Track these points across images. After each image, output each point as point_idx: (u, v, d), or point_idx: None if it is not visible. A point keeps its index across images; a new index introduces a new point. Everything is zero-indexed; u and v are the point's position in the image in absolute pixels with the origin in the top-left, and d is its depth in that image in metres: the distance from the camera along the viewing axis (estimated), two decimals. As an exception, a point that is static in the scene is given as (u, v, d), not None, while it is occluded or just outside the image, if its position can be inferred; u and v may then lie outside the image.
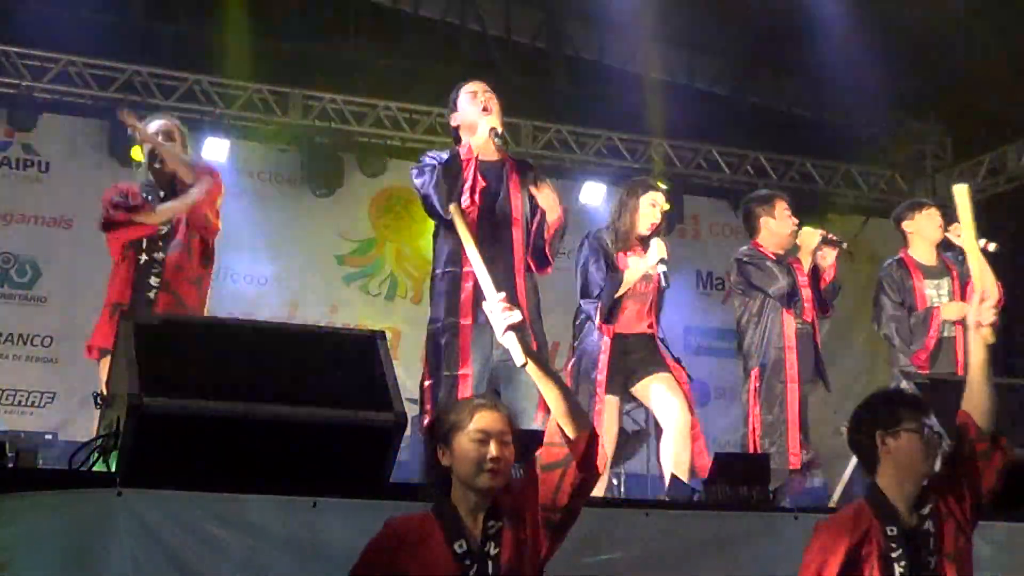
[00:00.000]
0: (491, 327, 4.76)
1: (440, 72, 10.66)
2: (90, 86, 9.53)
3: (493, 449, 3.08)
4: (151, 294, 5.39)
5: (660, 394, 5.60)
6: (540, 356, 3.28)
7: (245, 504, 3.64)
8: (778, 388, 5.88)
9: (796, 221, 6.22)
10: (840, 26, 9.65)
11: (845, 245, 6.24)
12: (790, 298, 5.97)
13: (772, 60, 11.35)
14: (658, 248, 5.58)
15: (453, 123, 5.26)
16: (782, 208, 6.21)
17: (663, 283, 5.61)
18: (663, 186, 6.06)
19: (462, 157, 5.04)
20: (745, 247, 6.27)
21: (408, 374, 8.98)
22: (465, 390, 4.84)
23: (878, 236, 10.23)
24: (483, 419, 3.13)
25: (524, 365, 3.14)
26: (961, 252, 6.27)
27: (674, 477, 5.04)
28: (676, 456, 5.42)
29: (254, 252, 9.71)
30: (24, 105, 9.32)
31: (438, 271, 5.06)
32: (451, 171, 4.95)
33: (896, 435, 3.41)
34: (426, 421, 4.91)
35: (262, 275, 9.94)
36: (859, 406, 3.66)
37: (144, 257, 5.43)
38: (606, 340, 5.59)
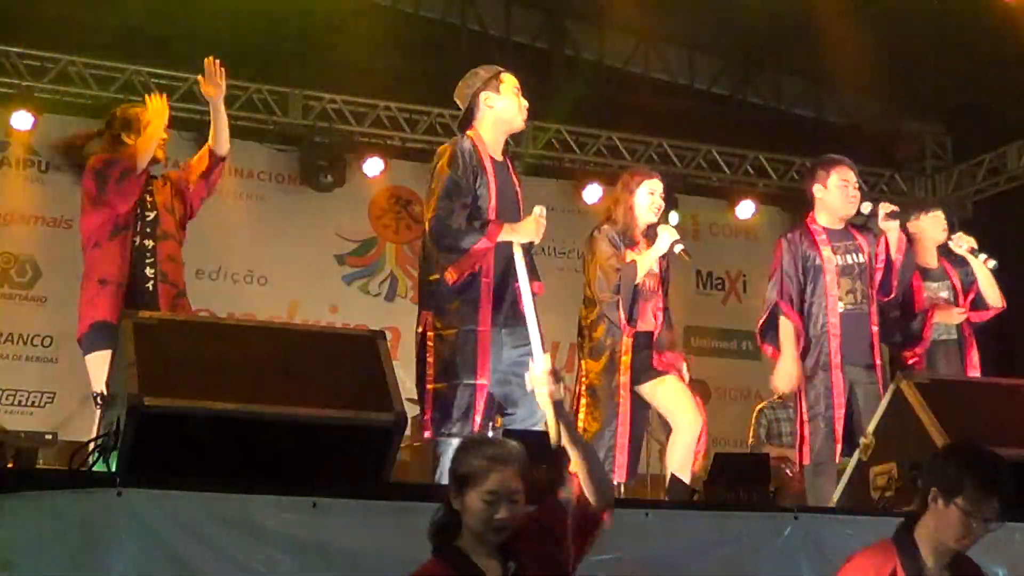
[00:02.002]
0: (505, 335, 4.78)
1: (440, 72, 10.67)
2: (90, 86, 9.54)
3: (503, 512, 3.03)
4: (149, 285, 5.41)
5: (672, 395, 5.53)
6: (570, 423, 3.23)
7: (245, 504, 3.64)
8: (819, 376, 5.65)
9: (855, 199, 5.75)
10: (840, 26, 9.64)
11: (897, 210, 5.78)
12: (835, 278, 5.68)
13: (772, 60, 11.36)
14: (668, 232, 5.50)
15: (487, 104, 4.98)
16: (838, 176, 5.77)
17: (685, 259, 5.54)
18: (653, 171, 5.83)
19: (481, 153, 4.92)
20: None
21: (408, 374, 9.01)
22: (480, 400, 4.78)
23: (878, 236, 10.23)
24: (497, 479, 3.05)
25: (558, 445, 3.12)
26: (961, 258, 6.27)
27: (674, 477, 5.04)
28: (682, 460, 5.39)
29: (254, 252, 9.71)
30: (24, 105, 9.31)
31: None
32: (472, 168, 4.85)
33: (948, 502, 3.23)
34: (426, 430, 4.88)
35: (262, 275, 9.94)
36: (946, 447, 3.56)
37: (138, 240, 5.49)
38: (627, 340, 5.48)
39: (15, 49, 9.33)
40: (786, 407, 8.69)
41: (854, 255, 5.71)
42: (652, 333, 5.62)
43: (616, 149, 10.93)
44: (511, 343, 4.87)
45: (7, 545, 3.33)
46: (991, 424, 4.54)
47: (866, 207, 5.80)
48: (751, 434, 8.77)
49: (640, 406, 5.60)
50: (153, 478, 3.57)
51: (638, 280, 5.50)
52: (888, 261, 5.70)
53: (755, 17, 10.36)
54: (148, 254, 5.50)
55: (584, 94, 11.21)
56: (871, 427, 4.90)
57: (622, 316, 5.45)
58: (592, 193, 10.73)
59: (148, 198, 5.59)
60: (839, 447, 5.51)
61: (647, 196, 5.60)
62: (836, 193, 5.76)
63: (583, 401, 5.56)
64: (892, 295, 5.75)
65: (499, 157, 5.02)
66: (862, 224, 5.96)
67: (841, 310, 5.65)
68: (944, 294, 6.24)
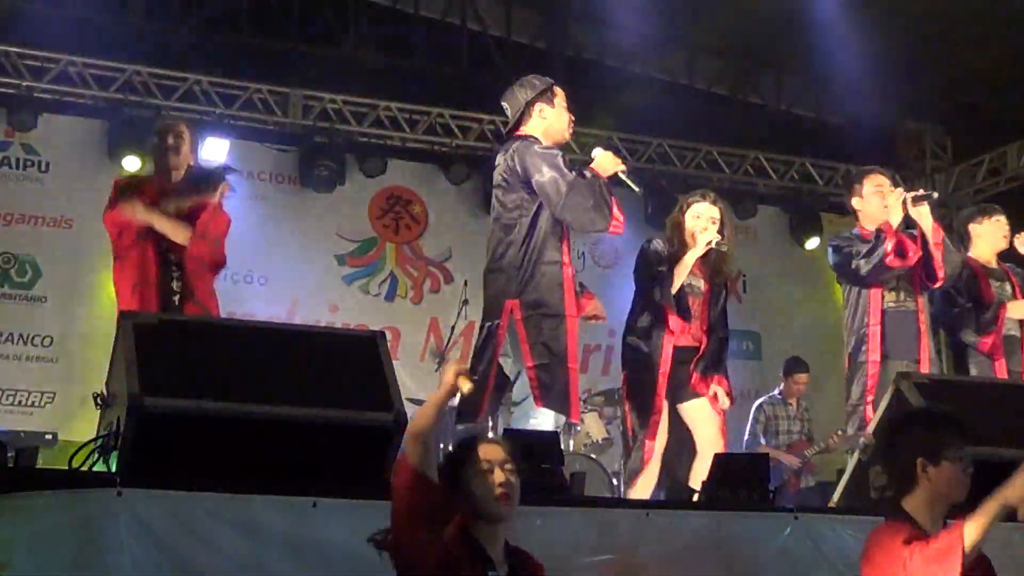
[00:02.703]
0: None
1: (440, 72, 10.68)
2: (90, 86, 9.53)
3: (499, 475, 3.14)
4: (175, 299, 5.31)
5: (703, 420, 5.53)
6: None
7: (245, 504, 3.64)
8: (861, 368, 5.66)
9: (890, 192, 5.81)
10: (840, 26, 9.65)
11: (935, 195, 5.84)
12: (875, 275, 5.68)
13: (772, 60, 11.35)
14: (706, 236, 5.52)
15: (541, 116, 5.24)
16: (871, 184, 5.90)
17: (722, 248, 5.56)
18: (709, 195, 5.79)
19: None
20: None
21: (408, 374, 9.02)
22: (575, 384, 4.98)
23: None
24: (485, 451, 3.20)
25: None
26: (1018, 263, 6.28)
27: (674, 477, 5.04)
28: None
29: (254, 252, 9.70)
30: (24, 105, 9.31)
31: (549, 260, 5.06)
32: None
33: (938, 464, 3.30)
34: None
35: (262, 275, 9.94)
36: (896, 424, 3.59)
37: (164, 244, 5.34)
38: (667, 351, 5.48)
39: (15, 49, 9.33)
40: (787, 404, 8.69)
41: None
42: (695, 350, 5.59)
43: (617, 149, 10.91)
44: None
45: (7, 545, 3.33)
46: (991, 424, 4.53)
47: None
48: (747, 430, 8.77)
49: (678, 422, 5.60)
50: (153, 478, 3.57)
51: (675, 288, 5.51)
52: (926, 247, 5.67)
53: (755, 17, 10.37)
54: (175, 267, 5.38)
55: (584, 94, 11.21)
56: (871, 427, 4.90)
57: (673, 320, 5.48)
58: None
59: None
60: None
61: (693, 220, 5.63)
62: (872, 201, 5.81)
63: (626, 407, 5.67)
64: (938, 282, 5.73)
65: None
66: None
67: (884, 307, 5.68)
68: (1007, 292, 6.24)
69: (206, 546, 3.55)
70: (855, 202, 5.94)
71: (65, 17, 9.57)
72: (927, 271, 5.71)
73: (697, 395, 5.55)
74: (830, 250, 6.00)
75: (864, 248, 5.70)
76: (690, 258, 5.53)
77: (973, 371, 6.01)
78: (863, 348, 5.66)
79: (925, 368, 5.61)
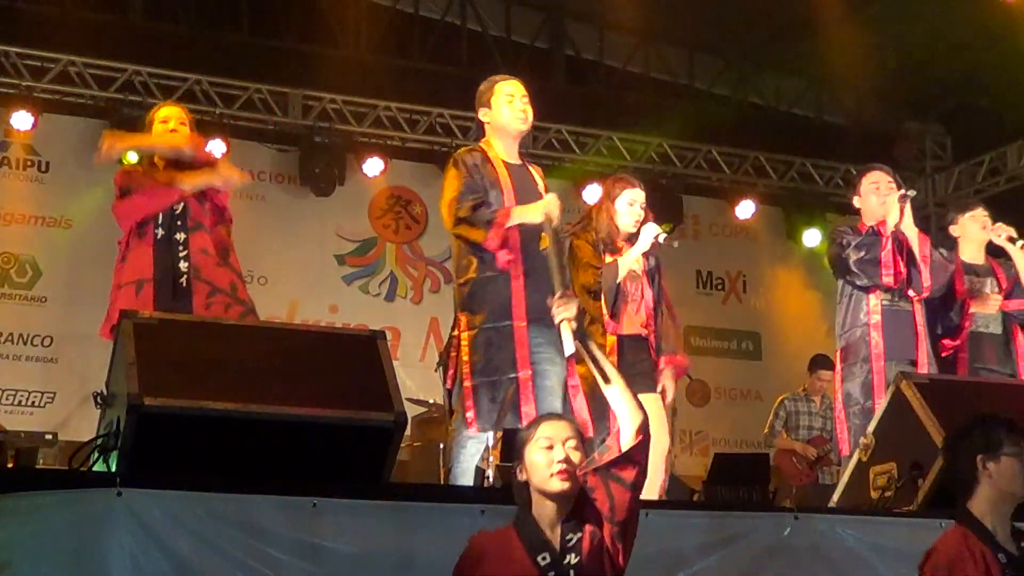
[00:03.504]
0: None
1: (440, 72, 10.68)
2: (90, 86, 9.54)
3: (559, 452, 3.17)
4: (183, 280, 5.18)
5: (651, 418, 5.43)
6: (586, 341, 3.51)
7: (245, 504, 3.64)
8: (858, 368, 5.59)
9: (888, 188, 5.72)
10: (840, 26, 9.65)
11: (912, 193, 5.71)
12: (863, 268, 5.62)
13: (772, 60, 11.36)
14: (651, 228, 5.34)
15: (485, 119, 5.10)
16: (868, 181, 5.84)
17: (673, 245, 5.44)
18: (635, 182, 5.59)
19: (492, 161, 4.98)
20: None
21: (408, 374, 9.02)
22: (526, 392, 4.73)
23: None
24: (548, 428, 3.24)
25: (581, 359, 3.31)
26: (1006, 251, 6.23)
27: (674, 477, 5.04)
28: (650, 482, 5.29)
29: (254, 252, 9.70)
30: (24, 105, 9.31)
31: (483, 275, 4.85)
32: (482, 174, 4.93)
33: (997, 459, 3.40)
34: (470, 425, 4.78)
35: (262, 275, 9.94)
36: (954, 431, 3.64)
37: (161, 232, 5.20)
38: (610, 339, 5.32)
39: (15, 49, 9.33)
40: (808, 401, 8.71)
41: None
42: (640, 337, 5.46)
43: (616, 149, 10.93)
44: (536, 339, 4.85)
45: (7, 545, 3.33)
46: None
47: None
48: (767, 424, 8.78)
49: None
50: (153, 478, 3.57)
51: (619, 279, 5.37)
52: (911, 257, 5.63)
53: (755, 17, 10.37)
54: (180, 247, 5.26)
55: (584, 94, 11.22)
56: (871, 427, 4.90)
57: (605, 314, 5.30)
58: (592, 193, 10.71)
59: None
60: None
61: (627, 206, 5.47)
62: (870, 198, 5.80)
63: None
64: (923, 293, 5.65)
65: (515, 160, 5.09)
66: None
67: (883, 305, 5.65)
68: (988, 289, 6.22)
69: (206, 546, 3.54)
70: (856, 200, 5.93)
71: (65, 17, 9.57)
72: (911, 281, 5.64)
73: (643, 389, 5.21)
74: (828, 241, 5.99)
75: (856, 240, 5.67)
76: (629, 260, 5.37)
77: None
78: (864, 346, 5.62)
79: (924, 370, 5.59)
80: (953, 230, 6.25)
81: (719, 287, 11.48)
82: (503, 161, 4.99)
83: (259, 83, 9.91)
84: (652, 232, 5.36)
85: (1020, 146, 10.79)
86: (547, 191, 5.06)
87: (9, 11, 9.38)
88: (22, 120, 9.30)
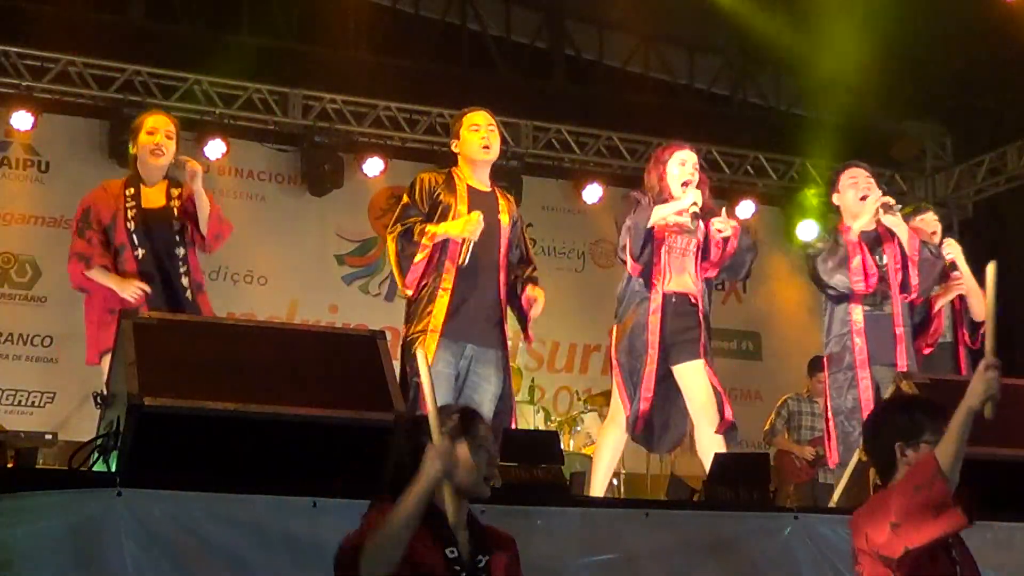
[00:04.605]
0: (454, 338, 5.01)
1: (440, 72, 10.68)
2: (90, 86, 9.53)
3: (492, 459, 3.12)
4: (188, 295, 5.22)
5: (698, 386, 5.30)
6: None
7: (245, 504, 3.64)
8: (842, 375, 5.57)
9: (867, 189, 5.65)
10: (839, 26, 9.64)
11: (894, 204, 5.60)
12: (834, 272, 5.60)
13: (772, 60, 11.36)
14: (693, 194, 5.32)
15: (455, 151, 5.45)
16: (846, 177, 5.75)
17: (689, 225, 5.36)
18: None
19: (457, 186, 5.31)
20: None
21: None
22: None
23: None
24: (483, 429, 3.13)
25: None
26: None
27: (674, 477, 5.04)
28: (708, 448, 5.18)
29: (254, 252, 9.71)
30: (24, 105, 9.31)
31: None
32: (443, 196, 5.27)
33: (916, 447, 3.29)
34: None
35: (262, 275, 9.94)
36: (876, 411, 3.60)
37: (142, 252, 5.19)
38: (656, 301, 5.26)
39: (15, 49, 9.33)
40: (812, 402, 8.71)
41: (877, 257, 5.66)
42: (687, 299, 5.36)
43: (616, 149, 10.93)
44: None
45: (7, 545, 3.33)
46: (990, 424, 4.53)
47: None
48: (768, 422, 8.79)
49: (671, 384, 5.36)
50: (153, 478, 3.57)
51: (649, 223, 5.31)
52: (904, 258, 5.61)
53: (755, 17, 10.37)
54: (181, 263, 5.28)
55: (584, 94, 11.22)
56: (871, 427, 4.89)
57: (628, 256, 5.27)
58: (592, 193, 10.74)
59: (176, 204, 5.34)
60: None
61: (678, 167, 5.49)
62: (847, 193, 5.75)
63: (613, 380, 5.44)
64: (913, 294, 5.63)
65: (484, 187, 5.38)
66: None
67: (865, 311, 5.62)
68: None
69: (206, 546, 3.55)
70: (835, 198, 5.83)
71: (65, 17, 9.57)
72: (903, 283, 5.61)
73: (688, 356, 5.32)
74: (804, 258, 5.91)
75: (825, 252, 5.62)
76: (663, 210, 5.34)
77: None
78: (848, 354, 5.60)
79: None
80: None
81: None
82: (468, 186, 5.32)
83: (259, 83, 9.91)
84: (692, 198, 5.32)
85: (1020, 146, 10.79)
86: (512, 218, 5.36)
87: (9, 11, 9.37)
88: (22, 120, 9.30)
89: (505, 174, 10.43)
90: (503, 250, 5.28)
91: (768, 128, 11.54)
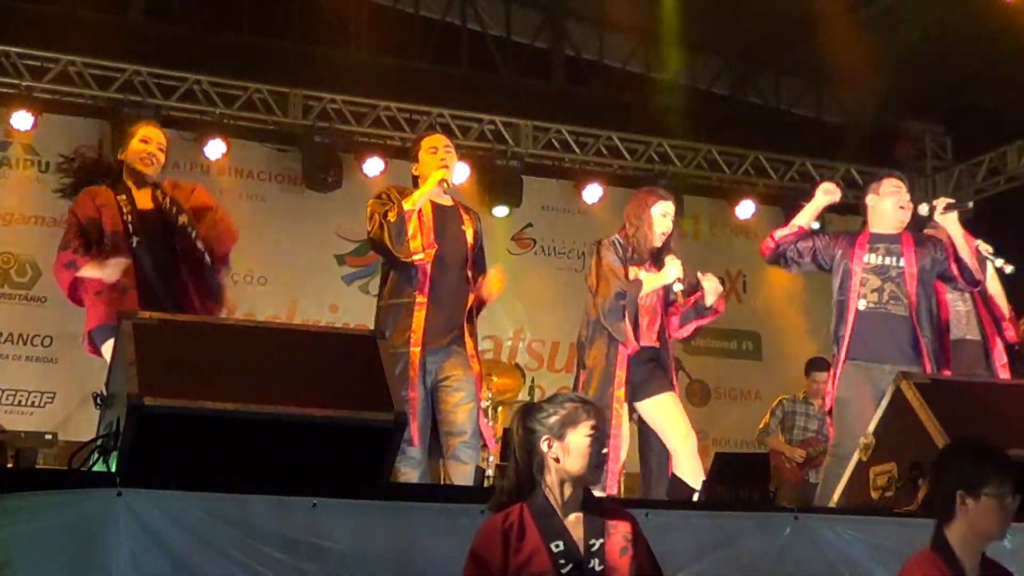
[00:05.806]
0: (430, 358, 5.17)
1: (440, 72, 10.68)
2: (90, 86, 9.53)
3: (605, 448, 3.25)
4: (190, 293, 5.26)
5: (670, 414, 5.51)
6: None
7: (245, 504, 3.64)
8: (840, 368, 5.58)
9: (908, 204, 5.77)
10: (839, 25, 9.65)
11: (970, 204, 5.83)
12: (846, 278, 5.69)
13: (772, 60, 11.36)
14: (675, 267, 5.53)
15: (415, 173, 5.57)
16: (890, 184, 5.83)
17: (679, 300, 5.62)
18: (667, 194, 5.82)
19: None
20: None
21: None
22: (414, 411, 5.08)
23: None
24: (598, 417, 3.26)
25: None
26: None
27: (674, 477, 5.04)
28: (693, 469, 5.34)
29: (254, 252, 9.70)
30: (24, 105, 9.31)
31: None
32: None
33: (977, 498, 3.29)
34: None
35: (262, 275, 9.94)
36: (944, 452, 3.61)
37: (136, 240, 5.15)
38: (623, 353, 5.47)
39: (15, 49, 9.33)
40: (807, 403, 8.72)
41: (893, 258, 5.64)
42: (653, 349, 5.61)
43: (616, 149, 10.93)
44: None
45: (7, 545, 3.33)
46: (991, 424, 4.53)
47: (923, 208, 5.76)
48: (763, 421, 8.79)
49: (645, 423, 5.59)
50: (153, 478, 3.57)
51: (640, 297, 5.55)
52: (956, 255, 5.63)
53: (755, 17, 10.37)
54: (180, 261, 5.29)
55: (584, 94, 11.23)
56: (871, 427, 4.90)
57: (629, 330, 5.47)
58: (592, 193, 10.74)
59: (165, 205, 5.32)
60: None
61: (660, 217, 5.63)
62: (887, 200, 5.77)
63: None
64: (978, 285, 5.73)
65: (446, 203, 5.53)
66: (922, 234, 5.89)
67: (862, 308, 5.63)
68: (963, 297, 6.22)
69: (206, 546, 3.54)
70: (869, 199, 5.85)
71: (65, 17, 9.57)
72: (964, 276, 5.64)
73: (658, 391, 5.54)
74: None
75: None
76: (651, 286, 5.58)
77: None
78: (849, 350, 5.61)
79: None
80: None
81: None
82: (431, 202, 5.46)
83: (259, 83, 9.90)
84: (675, 274, 5.55)
85: (1020, 146, 10.80)
86: (475, 232, 5.55)
87: (9, 11, 9.38)
88: (22, 120, 9.31)
89: (505, 174, 10.45)
90: (468, 263, 5.47)
91: (768, 128, 11.54)
